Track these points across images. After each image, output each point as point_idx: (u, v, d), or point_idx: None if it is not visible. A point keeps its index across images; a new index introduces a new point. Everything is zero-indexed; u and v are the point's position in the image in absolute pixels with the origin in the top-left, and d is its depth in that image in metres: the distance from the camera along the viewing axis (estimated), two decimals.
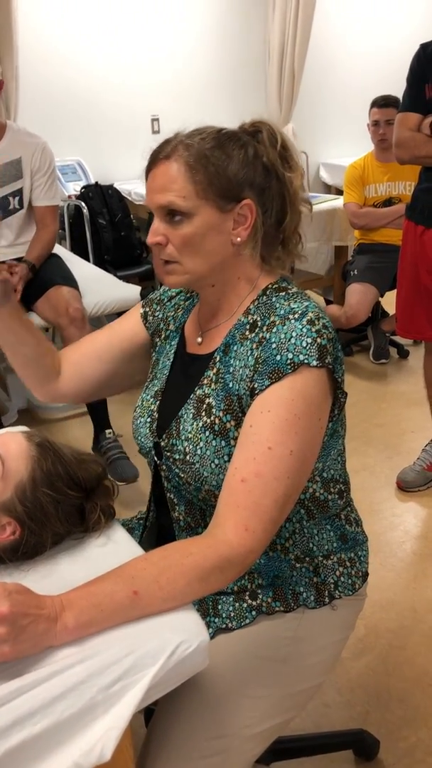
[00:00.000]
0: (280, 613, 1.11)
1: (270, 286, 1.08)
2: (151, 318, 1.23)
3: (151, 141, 1.04)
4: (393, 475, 2.65)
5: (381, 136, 3.59)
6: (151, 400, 1.16)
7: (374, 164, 3.72)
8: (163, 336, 1.21)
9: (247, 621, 1.09)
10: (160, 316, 1.22)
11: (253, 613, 1.10)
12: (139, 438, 1.16)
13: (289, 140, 1.07)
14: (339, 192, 5.10)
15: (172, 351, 1.18)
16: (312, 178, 5.58)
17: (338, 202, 3.99)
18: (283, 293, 1.06)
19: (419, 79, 2.20)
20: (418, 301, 2.42)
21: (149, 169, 1.02)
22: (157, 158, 1.01)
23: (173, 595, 0.87)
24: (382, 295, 3.71)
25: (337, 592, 1.14)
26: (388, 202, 3.70)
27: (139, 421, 1.17)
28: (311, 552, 1.13)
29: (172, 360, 1.17)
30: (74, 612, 0.82)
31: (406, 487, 2.58)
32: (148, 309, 1.24)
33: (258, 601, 1.10)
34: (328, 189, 5.48)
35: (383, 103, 3.55)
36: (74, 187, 4.07)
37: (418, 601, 2.03)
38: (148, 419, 1.15)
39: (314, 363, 0.96)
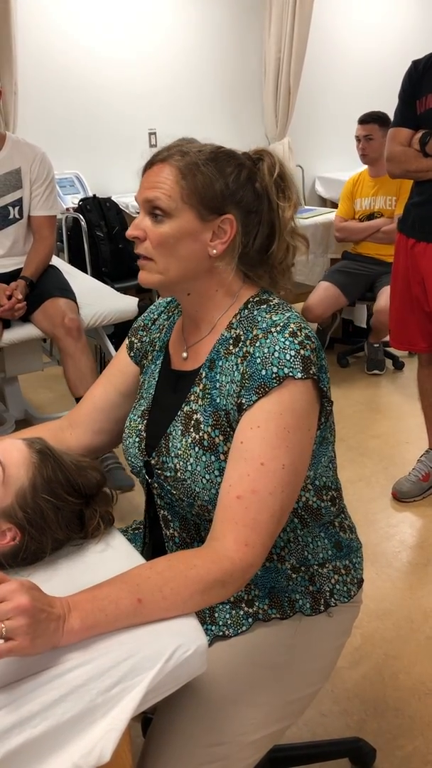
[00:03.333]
0: (276, 621, 1.12)
1: (251, 298, 1.09)
2: (138, 345, 1.25)
3: (148, 154, 1.08)
4: (389, 485, 2.67)
5: (361, 151, 3.69)
6: (139, 419, 1.17)
7: (366, 179, 3.78)
8: (149, 358, 1.22)
9: (244, 628, 1.10)
10: (147, 340, 1.24)
11: (250, 620, 1.11)
12: (130, 458, 1.17)
13: (288, 173, 1.09)
14: (334, 205, 5.15)
15: (157, 370, 1.19)
16: (308, 192, 5.63)
17: (333, 215, 4.04)
18: (265, 305, 1.07)
19: (411, 95, 2.23)
20: (410, 313, 2.45)
21: (146, 169, 1.06)
22: (154, 159, 1.05)
23: (175, 605, 0.89)
24: (351, 303, 3.75)
25: (333, 599, 1.15)
26: (372, 216, 3.76)
27: (128, 442, 1.17)
28: (306, 560, 1.14)
29: (157, 379, 1.18)
30: (80, 614, 0.83)
31: (401, 497, 2.60)
32: (134, 338, 1.26)
33: (254, 609, 1.11)
34: (324, 202, 5.53)
35: (364, 119, 3.65)
36: (72, 200, 4.10)
37: (414, 611, 2.04)
38: (137, 439, 1.15)
39: (299, 375, 0.97)
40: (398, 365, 3.85)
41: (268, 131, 5.28)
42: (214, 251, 1.05)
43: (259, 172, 1.07)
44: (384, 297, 3.55)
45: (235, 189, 1.04)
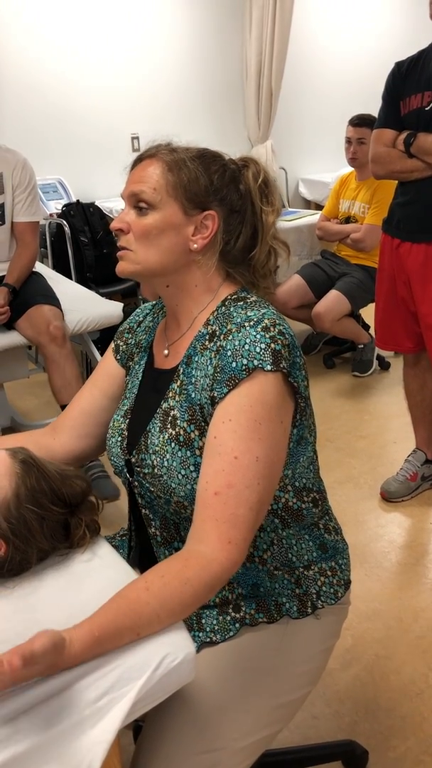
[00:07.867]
0: (263, 625, 1.12)
1: (230, 296, 1.10)
2: (123, 347, 1.26)
3: (131, 159, 1.11)
4: (377, 485, 2.67)
5: (352, 155, 3.63)
6: (121, 419, 1.18)
7: (351, 180, 3.78)
8: (135, 359, 1.23)
9: (231, 633, 1.10)
10: (133, 342, 1.25)
11: (237, 625, 1.10)
12: (112, 458, 1.18)
13: (272, 180, 1.13)
14: (318, 207, 5.17)
15: (141, 370, 1.20)
16: (291, 194, 5.64)
17: (317, 217, 4.05)
18: (242, 303, 1.08)
19: (394, 96, 2.24)
20: (396, 313, 2.45)
21: (134, 165, 1.10)
22: (143, 156, 1.09)
23: (169, 623, 0.90)
24: (316, 296, 3.68)
25: (319, 601, 1.15)
26: (349, 219, 3.76)
27: (111, 441, 1.18)
28: (291, 563, 1.14)
29: (140, 379, 1.19)
30: (78, 650, 0.82)
31: (389, 497, 2.60)
32: (119, 341, 1.27)
33: (241, 614, 1.11)
34: (308, 204, 5.55)
35: (357, 122, 3.55)
36: (55, 206, 4.09)
37: (404, 611, 2.04)
38: (119, 438, 1.16)
39: (268, 367, 0.98)
40: (384, 366, 3.87)
41: (251, 134, 5.29)
42: (195, 246, 1.07)
43: (243, 177, 1.10)
44: (324, 303, 3.55)
45: (219, 186, 1.07)
